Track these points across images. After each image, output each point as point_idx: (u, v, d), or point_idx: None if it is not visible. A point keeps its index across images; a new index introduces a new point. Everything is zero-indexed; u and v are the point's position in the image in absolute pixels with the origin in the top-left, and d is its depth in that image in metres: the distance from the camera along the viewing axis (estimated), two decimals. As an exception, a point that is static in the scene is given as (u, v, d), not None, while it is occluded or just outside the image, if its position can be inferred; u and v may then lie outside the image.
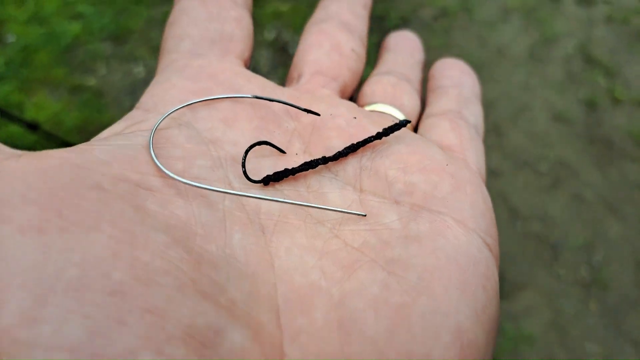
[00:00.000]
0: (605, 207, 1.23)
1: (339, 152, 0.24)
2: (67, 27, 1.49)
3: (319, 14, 0.33)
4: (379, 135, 0.25)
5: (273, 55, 1.54)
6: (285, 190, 0.22)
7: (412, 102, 0.30)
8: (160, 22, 1.52)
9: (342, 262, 0.20)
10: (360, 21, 0.33)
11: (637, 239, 1.17)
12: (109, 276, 0.15)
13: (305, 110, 0.25)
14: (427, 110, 0.30)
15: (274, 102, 0.25)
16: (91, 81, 1.41)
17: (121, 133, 0.22)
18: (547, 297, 1.09)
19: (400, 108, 0.30)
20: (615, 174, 1.28)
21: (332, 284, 0.19)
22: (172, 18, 0.29)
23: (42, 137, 1.15)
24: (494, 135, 1.36)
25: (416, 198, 0.22)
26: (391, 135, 0.26)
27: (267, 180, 0.22)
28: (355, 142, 0.24)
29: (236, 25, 0.29)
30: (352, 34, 0.32)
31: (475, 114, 0.30)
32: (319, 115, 0.25)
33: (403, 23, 1.66)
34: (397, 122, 0.26)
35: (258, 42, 1.54)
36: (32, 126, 1.08)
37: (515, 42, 1.63)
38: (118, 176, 0.18)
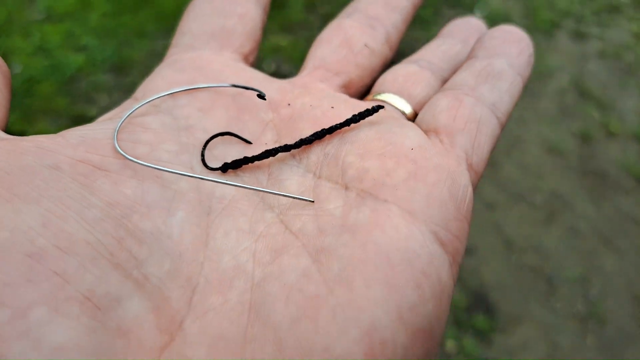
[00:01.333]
0: (600, 240, 1.22)
1: (301, 139, 0.23)
2: (71, 59, 1.53)
3: (348, 8, 0.32)
4: (347, 122, 0.23)
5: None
6: (245, 177, 0.23)
7: (426, 91, 0.28)
8: (161, 55, 1.55)
9: (275, 246, 0.20)
10: (395, 14, 0.31)
11: (633, 273, 1.16)
12: (33, 242, 0.17)
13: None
14: (443, 87, 0.27)
15: (255, 95, 0.25)
16: (92, 111, 1.43)
17: (109, 119, 0.23)
18: (544, 330, 1.07)
19: (407, 98, 0.28)
20: (609, 206, 1.28)
21: (257, 266, 0.19)
22: (184, 14, 0.30)
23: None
24: (488, 167, 1.36)
25: (365, 184, 0.21)
26: (367, 121, 0.24)
27: (225, 168, 0.22)
28: (320, 130, 0.23)
29: (238, 21, 0.28)
30: (374, 29, 0.30)
31: (499, 89, 0.26)
32: (264, 98, 0.25)
33: (398, 60, 1.69)
34: (369, 108, 0.24)
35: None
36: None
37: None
38: (79, 158, 0.20)
